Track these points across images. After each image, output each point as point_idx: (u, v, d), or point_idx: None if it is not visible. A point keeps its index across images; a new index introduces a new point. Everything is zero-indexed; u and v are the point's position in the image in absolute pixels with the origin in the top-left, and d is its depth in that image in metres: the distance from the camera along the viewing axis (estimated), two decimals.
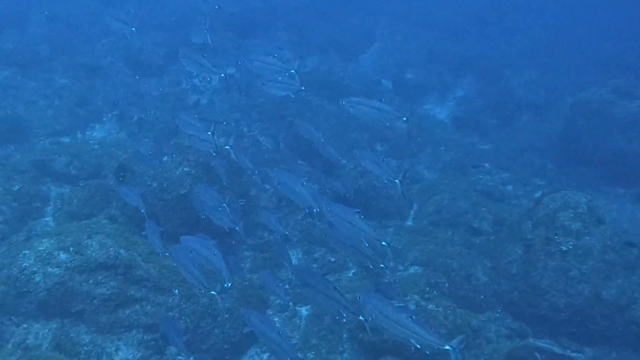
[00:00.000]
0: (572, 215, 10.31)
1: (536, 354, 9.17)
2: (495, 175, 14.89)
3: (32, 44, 19.59)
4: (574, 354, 9.67)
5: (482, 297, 10.46)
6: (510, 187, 14.52)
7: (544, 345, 9.83)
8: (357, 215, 7.55)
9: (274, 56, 10.65)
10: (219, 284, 7.56)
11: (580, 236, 10.10)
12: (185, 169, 11.46)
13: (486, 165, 15.28)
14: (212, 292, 7.43)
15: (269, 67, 10.63)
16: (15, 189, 12.14)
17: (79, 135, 15.60)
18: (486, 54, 21.90)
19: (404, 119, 8.93)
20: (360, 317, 6.72)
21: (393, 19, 26.09)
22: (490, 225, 12.28)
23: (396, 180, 8.79)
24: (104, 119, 16.38)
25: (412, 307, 9.21)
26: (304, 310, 10.90)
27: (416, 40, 23.94)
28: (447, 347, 6.04)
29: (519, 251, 10.59)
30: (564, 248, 10.05)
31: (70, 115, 16.18)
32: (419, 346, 6.29)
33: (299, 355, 7.10)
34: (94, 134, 15.74)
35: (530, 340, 10.02)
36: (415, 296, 9.43)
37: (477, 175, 14.62)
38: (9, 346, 8.68)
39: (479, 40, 23.97)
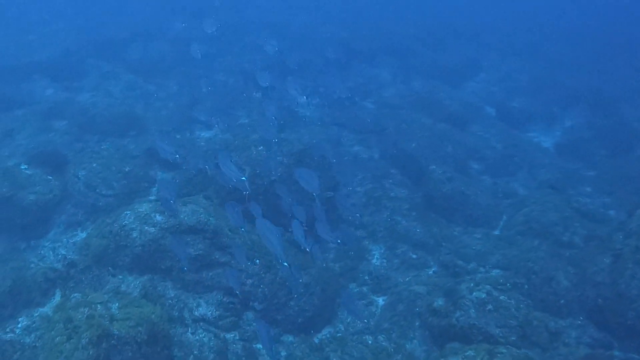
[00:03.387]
0: None
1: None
2: (596, 199, 14.34)
3: (154, 56, 21.63)
4: None
5: (562, 301, 10.10)
6: (612, 212, 13.86)
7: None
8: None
9: None
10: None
11: None
12: (279, 158, 12.15)
13: (587, 189, 14.82)
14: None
15: None
16: (127, 170, 13.33)
17: (188, 134, 16.81)
18: (600, 88, 21.18)
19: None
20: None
21: (501, 51, 26.11)
22: (581, 240, 11.84)
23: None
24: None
25: (483, 296, 9.15)
26: (380, 300, 11.06)
27: (524, 71, 23.70)
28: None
29: (607, 261, 10.15)
30: None
31: (181, 116, 17.53)
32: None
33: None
34: (202, 134, 16.86)
35: (616, 352, 9.49)
36: (488, 286, 9.34)
37: (576, 197, 14.18)
38: (103, 290, 9.52)
39: (592, 73, 23.26)
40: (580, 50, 26.64)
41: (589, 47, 26.87)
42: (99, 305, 8.47)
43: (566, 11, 33.33)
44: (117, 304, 8.58)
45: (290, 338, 9.93)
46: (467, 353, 7.95)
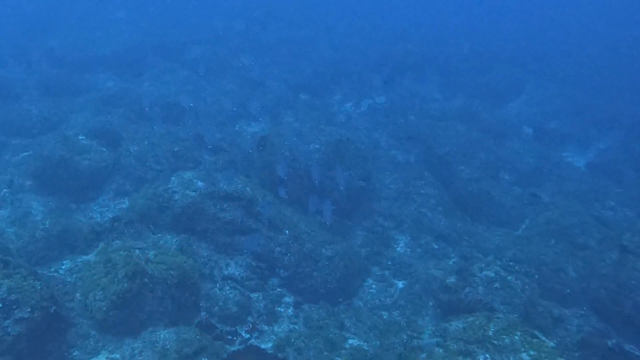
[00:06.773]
0: None
1: (608, 342, 9.23)
2: (618, 212, 14.70)
3: (211, 58, 23.14)
4: None
5: (568, 291, 10.61)
6: None
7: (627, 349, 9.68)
8: None
9: None
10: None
11: None
12: (316, 145, 13.04)
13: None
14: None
15: None
16: (175, 149, 14.39)
17: (236, 127, 17.90)
18: (637, 114, 21.45)
19: None
20: None
21: (544, 76, 26.58)
22: (596, 243, 12.25)
23: None
24: (260, 119, 18.59)
25: (492, 275, 9.74)
26: (400, 284, 11.70)
27: (565, 96, 24.04)
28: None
29: (614, 256, 10.66)
30: None
31: (231, 111, 18.66)
32: None
33: None
34: (248, 129, 17.93)
35: (613, 340, 9.89)
36: (497, 267, 9.91)
37: (599, 208, 14.59)
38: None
39: (631, 100, 23.47)
40: (621, 77, 26.84)
41: (631, 75, 27.04)
42: (137, 250, 9.44)
43: (610, 40, 33.47)
44: (153, 252, 9.53)
45: None
46: (469, 319, 8.56)
